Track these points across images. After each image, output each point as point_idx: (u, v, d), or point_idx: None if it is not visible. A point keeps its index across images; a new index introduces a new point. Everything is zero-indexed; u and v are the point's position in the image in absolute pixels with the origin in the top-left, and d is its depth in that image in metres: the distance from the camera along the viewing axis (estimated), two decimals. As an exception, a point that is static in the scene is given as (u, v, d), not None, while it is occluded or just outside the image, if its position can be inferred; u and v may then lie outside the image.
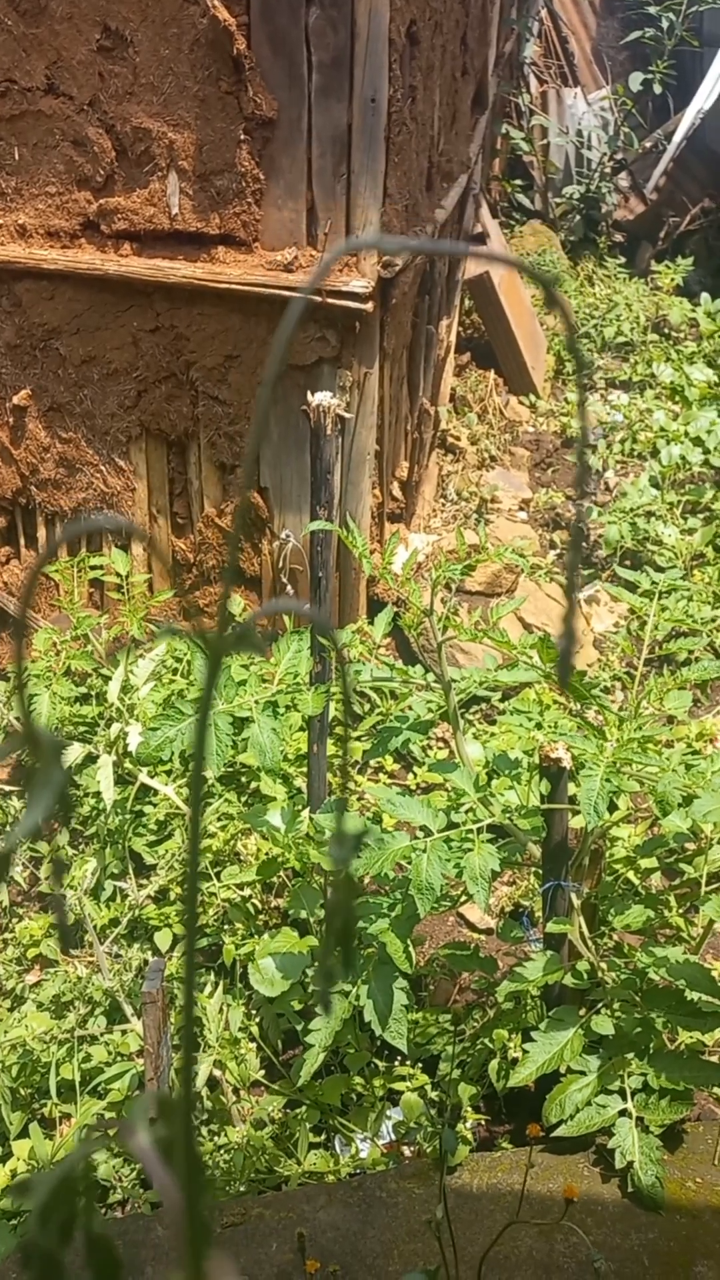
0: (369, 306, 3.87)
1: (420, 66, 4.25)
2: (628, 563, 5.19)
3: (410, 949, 2.66)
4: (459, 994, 3.09)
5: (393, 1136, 2.71)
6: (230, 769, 3.67)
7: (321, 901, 2.97)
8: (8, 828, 3.78)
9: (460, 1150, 2.52)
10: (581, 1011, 2.60)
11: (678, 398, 6.54)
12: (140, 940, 3.25)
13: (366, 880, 3.18)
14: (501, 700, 4.24)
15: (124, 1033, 2.91)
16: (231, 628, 0.58)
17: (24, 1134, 2.78)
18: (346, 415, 4.07)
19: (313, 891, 3.02)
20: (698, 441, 5.82)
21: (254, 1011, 3.00)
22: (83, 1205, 0.61)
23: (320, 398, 2.92)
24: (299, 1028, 2.91)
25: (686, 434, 5.88)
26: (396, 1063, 2.83)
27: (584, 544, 5.48)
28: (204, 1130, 2.73)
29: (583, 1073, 2.56)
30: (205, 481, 4.34)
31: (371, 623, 3.03)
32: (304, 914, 3.00)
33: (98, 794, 3.60)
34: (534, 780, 2.77)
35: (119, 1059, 2.86)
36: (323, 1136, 2.75)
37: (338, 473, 4.11)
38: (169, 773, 3.68)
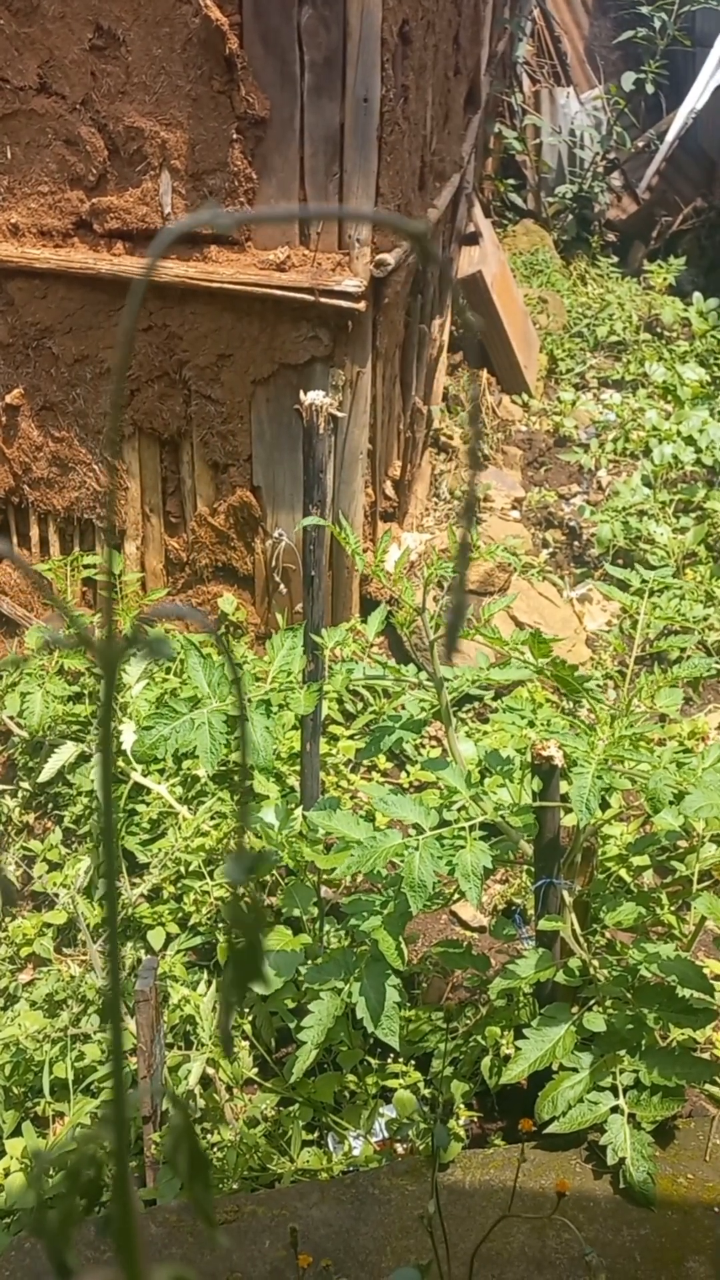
0: (361, 306, 3.87)
1: (413, 66, 4.26)
2: (620, 561, 5.20)
3: (403, 947, 2.66)
4: (451, 991, 3.10)
5: (385, 1134, 2.72)
6: (224, 767, 3.68)
7: (314, 900, 2.98)
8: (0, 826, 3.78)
9: (453, 1147, 2.53)
10: (574, 1009, 2.61)
11: (670, 397, 6.55)
12: (133, 939, 3.26)
13: (359, 879, 3.19)
14: (494, 698, 4.25)
15: (117, 1031, 2.91)
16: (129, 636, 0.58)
17: (17, 1132, 2.78)
18: (339, 414, 4.08)
19: (306, 890, 3.03)
20: (690, 440, 5.83)
21: (247, 1009, 3.01)
22: (105, 1184, 0.62)
23: (313, 397, 2.93)
24: (292, 1025, 2.91)
25: (679, 433, 5.89)
26: (389, 1060, 2.84)
27: (577, 543, 5.49)
28: (197, 1128, 2.74)
29: (575, 1070, 2.57)
30: (198, 480, 4.35)
31: (365, 621, 3.04)
32: (297, 912, 3.01)
33: (91, 793, 3.60)
34: (526, 778, 2.78)
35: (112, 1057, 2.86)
36: (315, 1134, 2.75)
37: (330, 471, 4.12)
38: (162, 771, 3.68)
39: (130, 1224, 0.57)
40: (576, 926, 2.67)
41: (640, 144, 9.48)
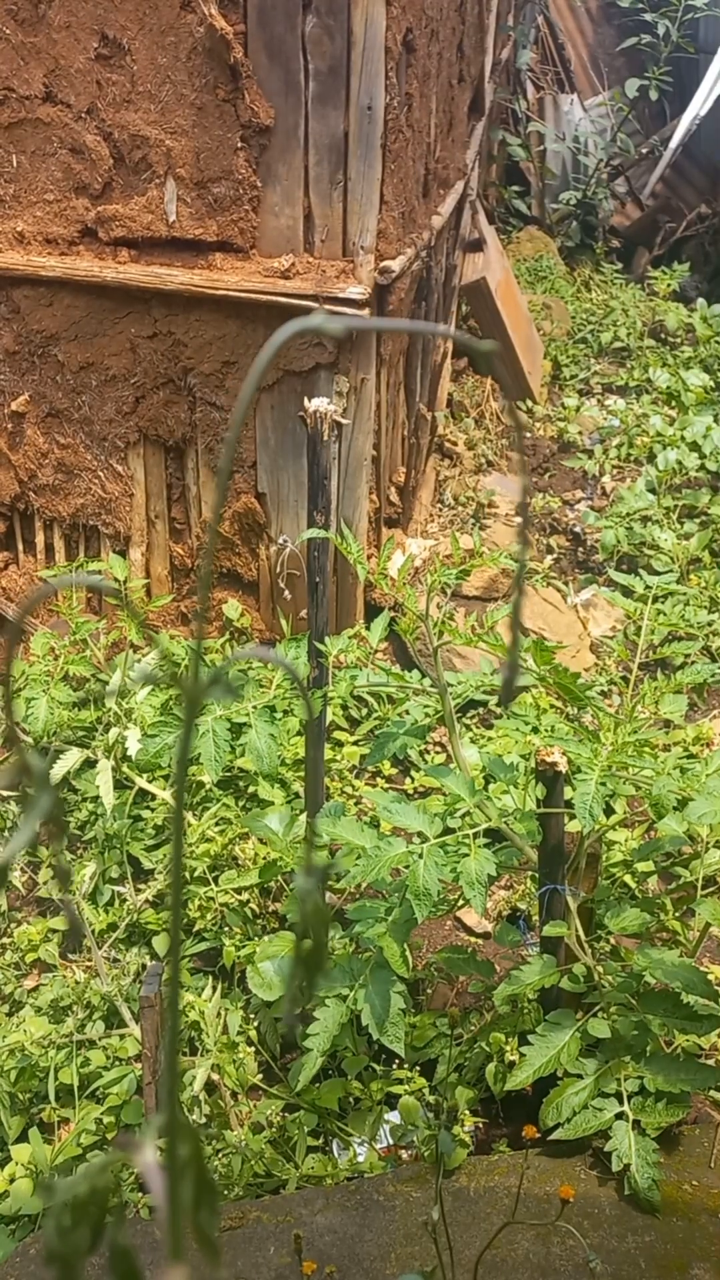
0: (366, 313, 3.88)
1: (417, 74, 4.27)
2: (624, 567, 5.21)
3: (408, 953, 2.67)
4: (456, 998, 3.10)
5: (390, 1140, 2.72)
6: (228, 774, 3.68)
7: (290, 923, 2.98)
8: (4, 833, 3.79)
9: (458, 1153, 2.53)
10: (578, 1015, 2.61)
11: (674, 403, 6.55)
12: (138, 944, 3.26)
13: (364, 886, 3.19)
14: (498, 704, 4.25)
15: (122, 1037, 2.92)
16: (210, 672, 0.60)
17: (23, 1138, 2.78)
18: (344, 421, 4.09)
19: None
20: (694, 446, 5.84)
21: (252, 1015, 3.01)
22: (111, 1214, 0.63)
23: (317, 403, 2.94)
24: (296, 1031, 2.91)
25: (683, 439, 5.90)
26: (394, 1066, 2.84)
27: (581, 548, 5.49)
28: (201, 1134, 2.74)
29: (580, 1076, 2.57)
30: (203, 487, 4.36)
31: (369, 627, 3.04)
32: (302, 918, 3.01)
33: (96, 798, 3.60)
34: (530, 784, 2.78)
35: (117, 1063, 2.86)
36: (320, 1140, 2.75)
37: (335, 478, 4.13)
38: (166, 778, 3.69)
39: (178, 1239, 0.58)
40: (581, 932, 2.68)
41: (644, 150, 9.49)
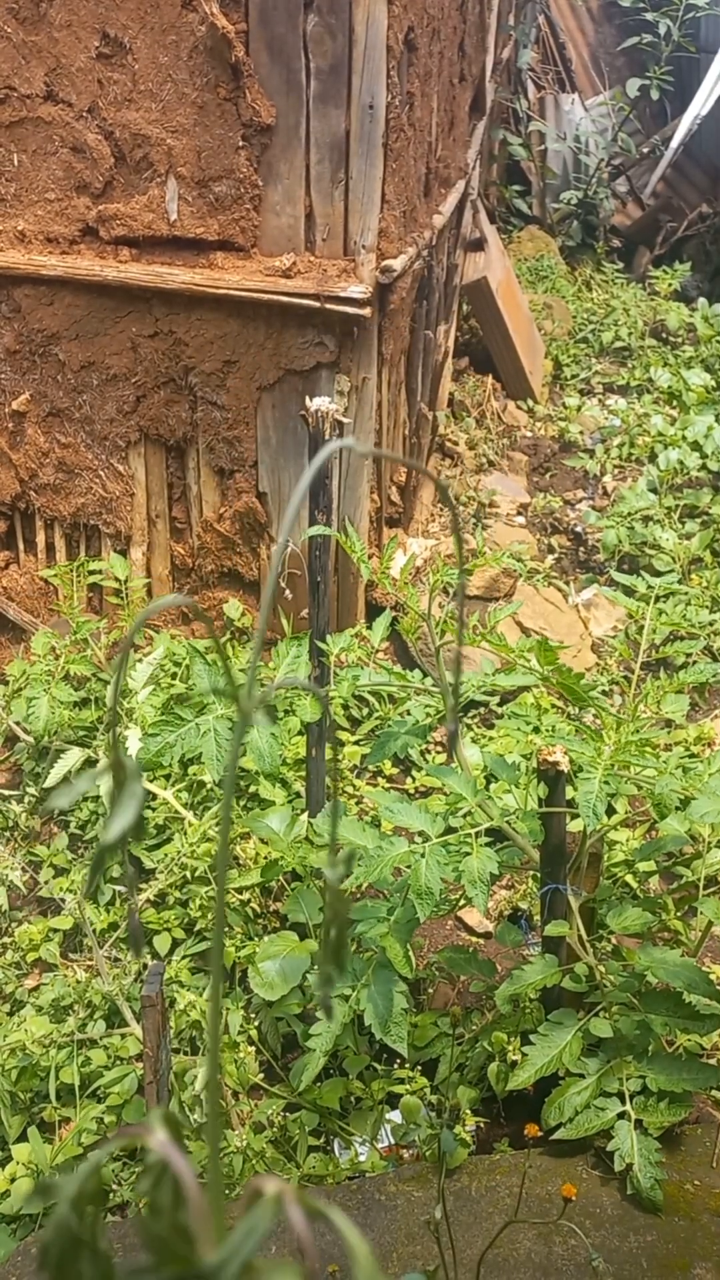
0: (367, 312, 3.88)
1: (418, 73, 4.27)
2: (625, 567, 5.20)
3: (410, 953, 2.66)
4: (458, 997, 3.10)
5: (391, 1140, 2.72)
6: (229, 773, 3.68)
7: (320, 906, 2.98)
8: (6, 832, 3.79)
9: (459, 1153, 2.53)
10: (580, 1014, 2.61)
11: (675, 402, 6.55)
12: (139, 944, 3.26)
13: (365, 886, 3.19)
14: (499, 704, 4.25)
15: (123, 1036, 2.91)
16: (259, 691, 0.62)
17: (24, 1138, 2.78)
18: (345, 420, 4.08)
19: (311, 895, 3.03)
20: (695, 446, 5.83)
21: (253, 1015, 3.01)
22: (90, 1219, 0.62)
23: (319, 403, 2.93)
24: (298, 1031, 2.91)
25: (684, 438, 5.89)
26: (396, 1066, 2.83)
27: (582, 548, 5.49)
28: (202, 1134, 2.74)
29: (581, 1075, 2.56)
30: (204, 486, 4.35)
31: (370, 627, 3.04)
32: (302, 917, 3.01)
33: (97, 798, 3.60)
34: (532, 784, 2.78)
35: (118, 1062, 2.86)
36: (322, 1140, 2.75)
37: (336, 477, 4.13)
38: (168, 777, 3.69)
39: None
40: (583, 932, 2.67)
41: (645, 150, 9.49)
